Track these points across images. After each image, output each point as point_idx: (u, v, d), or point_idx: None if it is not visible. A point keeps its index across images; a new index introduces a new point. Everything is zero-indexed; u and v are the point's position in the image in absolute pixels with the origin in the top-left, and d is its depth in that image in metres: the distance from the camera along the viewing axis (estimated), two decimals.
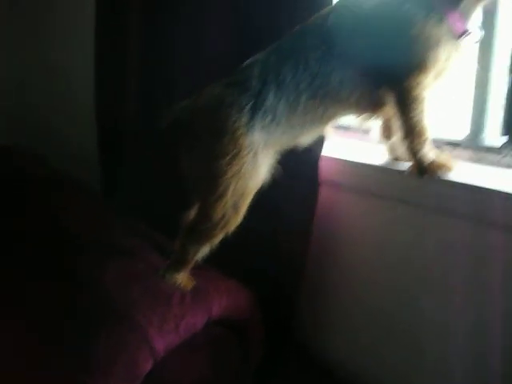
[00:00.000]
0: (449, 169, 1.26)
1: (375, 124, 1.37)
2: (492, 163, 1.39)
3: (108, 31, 2.11)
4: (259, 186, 1.29)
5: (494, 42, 1.36)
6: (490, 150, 1.40)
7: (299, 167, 1.44)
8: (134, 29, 1.93)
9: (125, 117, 2.02)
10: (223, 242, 1.33)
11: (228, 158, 1.23)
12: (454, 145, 1.46)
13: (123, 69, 2.02)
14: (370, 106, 1.28)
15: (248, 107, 1.23)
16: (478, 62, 1.37)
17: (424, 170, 1.25)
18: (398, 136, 1.27)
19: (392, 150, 1.36)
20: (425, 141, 1.24)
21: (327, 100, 1.23)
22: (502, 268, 1.17)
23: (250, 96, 1.23)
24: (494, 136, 1.40)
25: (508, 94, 1.36)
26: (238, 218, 1.29)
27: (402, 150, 1.28)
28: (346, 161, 1.48)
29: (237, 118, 1.23)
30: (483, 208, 1.19)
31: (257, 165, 1.25)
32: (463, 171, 1.27)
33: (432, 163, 1.25)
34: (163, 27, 1.79)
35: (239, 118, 1.22)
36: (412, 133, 1.23)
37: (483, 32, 1.24)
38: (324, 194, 1.51)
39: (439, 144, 1.44)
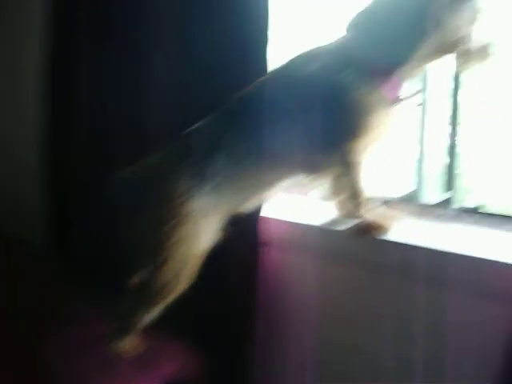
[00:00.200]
0: (388, 228, 1.29)
1: (319, 184, 1.39)
2: (433, 218, 1.43)
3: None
4: (204, 251, 1.30)
5: (430, 101, 1.43)
6: (431, 205, 1.45)
7: (240, 229, 1.45)
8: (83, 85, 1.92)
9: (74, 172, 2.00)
10: (171, 304, 1.32)
11: (171, 224, 1.23)
12: (397, 201, 1.51)
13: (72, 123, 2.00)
14: (312, 168, 1.30)
15: (191, 173, 1.24)
16: (419, 121, 1.43)
17: (363, 230, 1.28)
18: (339, 196, 1.30)
19: (332, 210, 1.39)
20: (364, 202, 1.27)
21: (269, 165, 1.25)
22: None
23: (193, 162, 1.24)
24: (435, 191, 1.45)
25: (448, 151, 1.42)
26: (184, 284, 1.29)
27: (344, 209, 1.31)
28: (289, 222, 1.50)
29: (179, 185, 1.24)
30: (417, 265, 1.22)
31: (201, 231, 1.26)
32: (403, 229, 1.31)
33: (371, 223, 1.28)
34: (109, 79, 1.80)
35: (182, 185, 1.23)
36: (351, 194, 1.26)
37: (422, 95, 1.30)
38: (270, 254, 1.52)
39: (382, 201, 1.46)
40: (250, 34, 1.47)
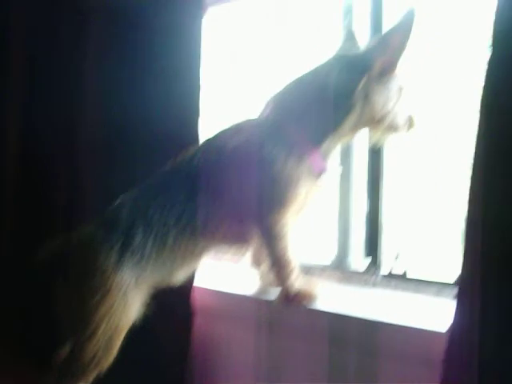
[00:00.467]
0: (314, 297, 1.30)
1: (246, 253, 1.41)
2: (359, 284, 1.47)
3: None
4: (131, 323, 1.29)
5: (352, 171, 1.50)
6: (356, 271, 1.49)
7: (172, 299, 1.45)
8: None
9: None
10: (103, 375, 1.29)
11: (98, 297, 1.23)
12: (323, 268, 1.54)
13: None
14: (238, 239, 1.32)
15: (117, 246, 1.24)
16: (339, 190, 1.49)
17: (290, 299, 1.29)
18: (266, 265, 1.32)
19: (263, 277, 1.41)
20: (291, 271, 1.28)
21: (195, 236, 1.27)
22: None
23: (119, 236, 1.25)
24: (359, 257, 1.50)
25: (367, 218, 1.48)
26: (111, 356, 1.27)
27: (270, 278, 1.33)
28: (220, 291, 1.52)
29: (106, 258, 1.24)
30: (345, 333, 1.25)
31: (128, 303, 1.26)
32: (328, 297, 1.33)
33: (298, 292, 1.29)
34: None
35: (108, 258, 1.24)
36: (277, 264, 1.28)
37: (341, 168, 1.36)
38: (200, 323, 1.52)
39: (308, 268, 1.52)
40: (182, 104, 1.53)
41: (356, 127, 1.26)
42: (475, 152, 0.95)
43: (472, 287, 0.97)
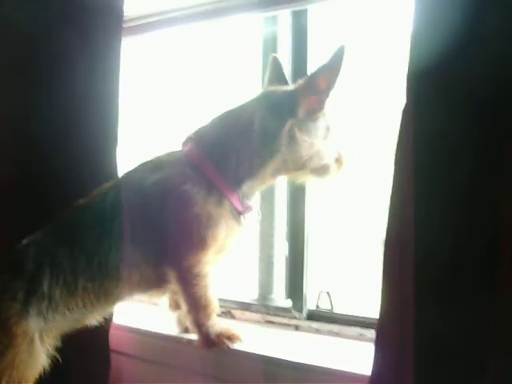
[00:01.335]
0: (237, 338, 1.26)
1: (163, 297, 1.35)
2: (281, 325, 1.43)
3: None
4: (39, 371, 1.19)
5: (274, 212, 1.46)
6: (279, 311, 1.45)
7: (89, 339, 1.37)
8: None
9: None
10: None
11: (2, 346, 1.13)
12: (245, 307, 1.50)
13: None
14: (153, 283, 1.25)
15: (21, 293, 1.15)
16: (261, 231, 1.44)
17: (211, 342, 1.24)
18: (183, 309, 1.26)
19: (180, 321, 1.35)
20: (210, 313, 1.23)
21: (107, 281, 1.19)
22: None
23: (24, 281, 1.16)
24: (281, 298, 1.46)
25: (288, 260, 1.44)
26: None
27: (188, 322, 1.27)
28: (137, 330, 1.46)
29: (8, 306, 1.14)
30: (270, 376, 1.21)
31: (35, 352, 1.16)
32: (251, 338, 1.29)
33: (219, 334, 1.25)
34: None
35: (11, 306, 1.14)
36: (197, 307, 1.22)
37: (260, 211, 1.31)
38: (116, 362, 1.44)
39: (229, 307, 1.49)
40: (100, 137, 1.45)
41: (280, 170, 1.22)
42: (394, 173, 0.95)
43: (390, 330, 0.97)
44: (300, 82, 1.18)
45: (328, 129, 1.21)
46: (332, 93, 1.15)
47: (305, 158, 1.19)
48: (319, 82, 1.15)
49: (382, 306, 0.99)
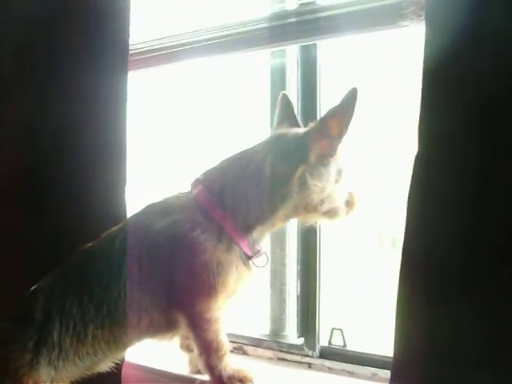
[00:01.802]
0: (248, 381, 1.24)
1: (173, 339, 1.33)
2: (293, 362, 1.42)
3: None
4: None
5: (285, 248, 1.45)
6: (291, 348, 1.43)
7: (101, 380, 1.35)
8: None
9: None
10: None
11: None
12: (257, 344, 1.48)
13: None
14: (163, 328, 1.23)
15: (31, 343, 1.13)
16: (272, 267, 1.42)
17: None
18: (195, 352, 1.24)
19: (192, 362, 1.33)
20: (222, 356, 1.21)
21: (116, 328, 1.18)
22: None
23: (34, 330, 1.14)
24: (294, 335, 1.44)
25: (299, 298, 1.43)
26: None
27: (200, 365, 1.25)
28: (150, 369, 1.44)
29: (19, 356, 1.13)
30: None
31: None
32: (262, 378, 1.25)
33: (231, 377, 1.22)
34: None
35: (21, 356, 1.13)
36: (208, 350, 1.20)
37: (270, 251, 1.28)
38: None
39: (241, 343, 1.47)
40: (109, 175, 1.44)
41: (290, 215, 1.20)
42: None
43: (405, 371, 0.94)
44: (311, 125, 1.16)
45: (340, 172, 1.19)
46: (344, 138, 1.13)
47: (316, 203, 1.17)
48: (331, 126, 1.12)
49: (396, 343, 0.97)
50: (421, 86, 0.94)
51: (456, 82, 0.90)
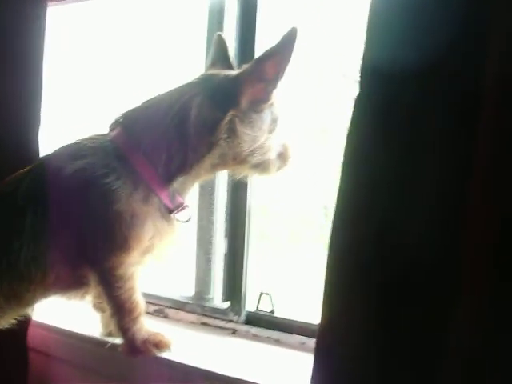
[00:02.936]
0: (165, 347, 1.14)
1: (84, 298, 1.22)
2: (217, 328, 1.33)
3: None
4: None
5: (213, 205, 1.33)
6: (215, 313, 1.34)
7: (5, 339, 1.24)
8: None
9: None
10: None
11: None
12: (179, 306, 1.40)
13: None
14: (71, 285, 1.13)
15: None
16: (199, 225, 1.31)
17: (137, 349, 1.12)
18: (107, 312, 1.13)
19: (105, 323, 1.22)
20: (136, 318, 1.12)
21: (17, 283, 1.07)
22: None
23: None
24: (218, 299, 1.34)
25: (226, 259, 1.33)
26: None
27: (113, 325, 1.14)
28: (59, 329, 1.34)
29: None
30: None
31: None
32: (181, 345, 1.17)
33: (146, 341, 1.13)
34: None
35: None
36: (121, 311, 1.10)
37: (192, 210, 1.17)
38: (36, 362, 1.34)
39: (162, 305, 1.38)
40: (22, 115, 1.31)
41: (217, 165, 1.09)
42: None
43: (331, 340, 0.87)
44: (245, 67, 1.05)
45: (274, 121, 1.08)
46: (280, 82, 1.01)
47: (246, 153, 1.06)
48: (267, 69, 1.02)
49: (323, 311, 0.89)
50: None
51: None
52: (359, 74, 0.82)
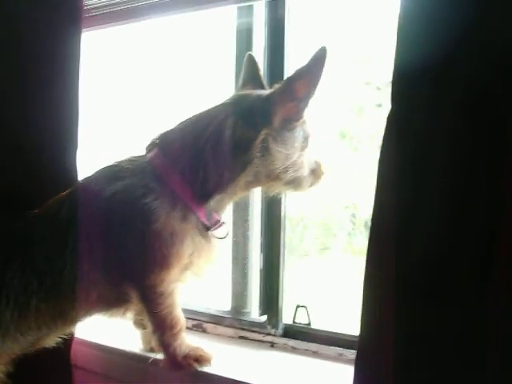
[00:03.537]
0: (205, 361, 1.16)
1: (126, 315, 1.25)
2: (255, 341, 1.35)
3: None
4: None
5: (249, 221, 1.36)
6: (253, 326, 1.36)
7: (49, 357, 1.26)
8: None
9: None
10: None
11: None
12: (217, 321, 1.42)
13: None
14: (114, 303, 1.16)
15: None
16: (234, 241, 1.34)
17: (178, 364, 1.14)
18: (148, 328, 1.16)
19: (145, 339, 1.25)
20: (177, 333, 1.14)
21: (62, 301, 1.10)
22: None
23: None
24: (255, 312, 1.37)
25: (262, 273, 1.35)
26: None
27: (154, 342, 1.17)
28: (101, 346, 1.36)
29: None
30: None
31: None
32: (221, 359, 1.19)
33: (187, 356, 1.15)
34: None
35: None
36: (162, 327, 1.13)
37: (228, 226, 1.20)
38: (79, 379, 1.36)
39: (200, 320, 1.41)
40: (60, 139, 1.34)
41: (252, 183, 1.11)
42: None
43: (372, 348, 0.89)
44: (276, 86, 1.07)
45: (306, 139, 1.11)
46: (311, 101, 1.04)
47: (279, 171, 1.08)
48: (298, 88, 1.04)
49: (362, 321, 0.90)
50: (395, 44, 0.84)
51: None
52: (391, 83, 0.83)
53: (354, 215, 1.41)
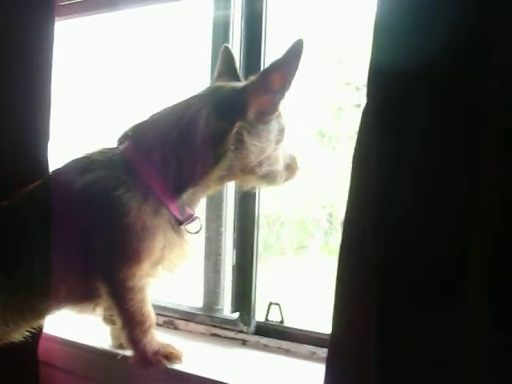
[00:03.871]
0: (175, 358, 1.14)
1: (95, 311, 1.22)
2: (227, 339, 1.33)
3: None
4: None
5: (222, 216, 1.34)
6: (225, 323, 1.34)
7: (16, 352, 1.24)
8: None
9: None
10: None
11: None
12: (189, 318, 1.40)
13: None
14: (83, 298, 1.14)
15: None
16: (207, 236, 1.33)
17: (148, 361, 1.12)
18: (118, 324, 1.13)
19: (115, 335, 1.23)
20: (147, 329, 1.12)
21: (31, 296, 1.08)
22: None
23: None
24: (228, 309, 1.35)
25: (235, 270, 1.33)
26: None
27: (123, 338, 1.14)
28: (69, 342, 1.33)
29: None
30: None
31: None
32: (191, 356, 1.17)
33: (157, 352, 1.13)
34: None
35: None
36: (132, 322, 1.11)
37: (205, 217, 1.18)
38: (46, 375, 1.34)
39: (172, 316, 1.39)
40: (31, 131, 1.32)
41: (226, 176, 1.10)
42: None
43: (343, 349, 0.88)
44: (252, 78, 1.05)
45: (281, 132, 1.09)
46: (287, 93, 1.02)
47: (253, 164, 1.07)
48: (273, 80, 1.02)
49: (334, 320, 0.89)
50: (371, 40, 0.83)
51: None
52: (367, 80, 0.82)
53: (331, 214, 1.40)
